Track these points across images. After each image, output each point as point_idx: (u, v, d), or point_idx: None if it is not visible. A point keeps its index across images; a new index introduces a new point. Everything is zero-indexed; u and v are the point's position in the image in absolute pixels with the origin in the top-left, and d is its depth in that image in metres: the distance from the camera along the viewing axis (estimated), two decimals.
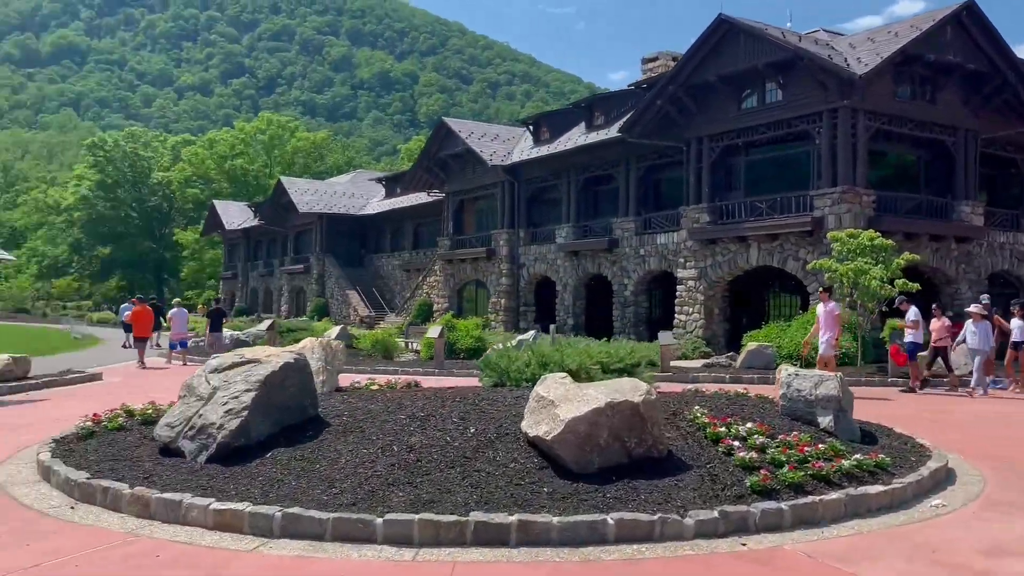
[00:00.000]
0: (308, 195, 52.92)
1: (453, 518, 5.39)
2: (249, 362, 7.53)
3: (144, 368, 20.25)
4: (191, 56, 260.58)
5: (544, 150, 34.01)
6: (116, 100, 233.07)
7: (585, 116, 33.39)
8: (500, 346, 19.18)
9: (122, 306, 36.80)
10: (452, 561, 5.08)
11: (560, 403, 6.63)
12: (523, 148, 36.19)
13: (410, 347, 24.89)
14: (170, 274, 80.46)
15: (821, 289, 15.62)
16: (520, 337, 20.22)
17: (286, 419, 7.42)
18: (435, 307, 40.94)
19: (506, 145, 37.13)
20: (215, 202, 65.54)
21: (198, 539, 5.45)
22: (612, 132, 29.94)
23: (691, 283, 27.23)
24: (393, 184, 51.29)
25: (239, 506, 5.65)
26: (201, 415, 7.07)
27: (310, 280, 53.28)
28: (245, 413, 6.99)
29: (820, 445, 7.29)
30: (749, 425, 7.41)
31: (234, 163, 74.29)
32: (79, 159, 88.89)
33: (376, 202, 53.49)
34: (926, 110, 24.47)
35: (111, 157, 77.46)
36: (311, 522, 5.44)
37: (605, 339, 23.23)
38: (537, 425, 6.60)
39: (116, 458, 7.14)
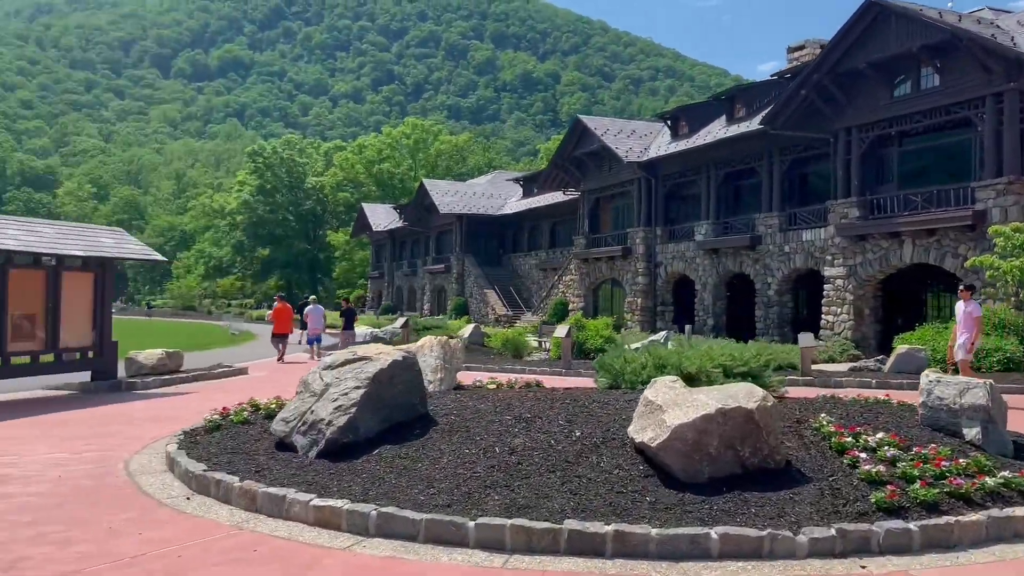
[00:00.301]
0: (448, 196, 54.05)
1: (546, 525, 5.21)
2: (361, 359, 7.63)
3: (284, 363, 21.17)
4: (344, 65, 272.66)
5: (682, 145, 33.17)
6: (276, 109, 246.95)
7: (726, 108, 32.32)
8: (629, 346, 18.85)
9: (308, 308, 38.58)
10: (542, 571, 4.91)
11: (668, 408, 6.32)
12: (660, 144, 35.45)
13: (543, 346, 24.84)
14: (324, 274, 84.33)
15: (962, 287, 14.34)
16: (652, 337, 19.81)
17: (395, 416, 7.46)
18: (570, 306, 40.81)
19: (643, 141, 36.50)
20: (363, 205, 68.08)
21: (297, 535, 5.53)
22: (754, 124, 28.82)
23: (839, 282, 25.79)
24: (530, 184, 51.56)
25: (337, 503, 5.70)
26: (313, 411, 7.22)
27: (450, 279, 54.40)
28: (353, 410, 7.07)
29: (962, 460, 6.61)
30: (880, 435, 6.81)
31: (381, 167, 76.94)
32: (241, 166, 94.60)
33: (514, 202, 53.97)
34: None
35: (269, 163, 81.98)
36: (404, 522, 5.40)
37: (745, 341, 22.45)
38: (643, 431, 6.32)
39: (235, 451, 7.40)
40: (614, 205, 39.33)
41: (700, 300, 32.78)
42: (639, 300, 35.54)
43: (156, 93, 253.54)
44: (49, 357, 13.76)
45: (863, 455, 6.38)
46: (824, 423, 7.13)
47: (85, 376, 14.84)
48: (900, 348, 17.93)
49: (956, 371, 14.15)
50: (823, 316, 26.36)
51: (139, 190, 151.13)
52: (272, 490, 6.02)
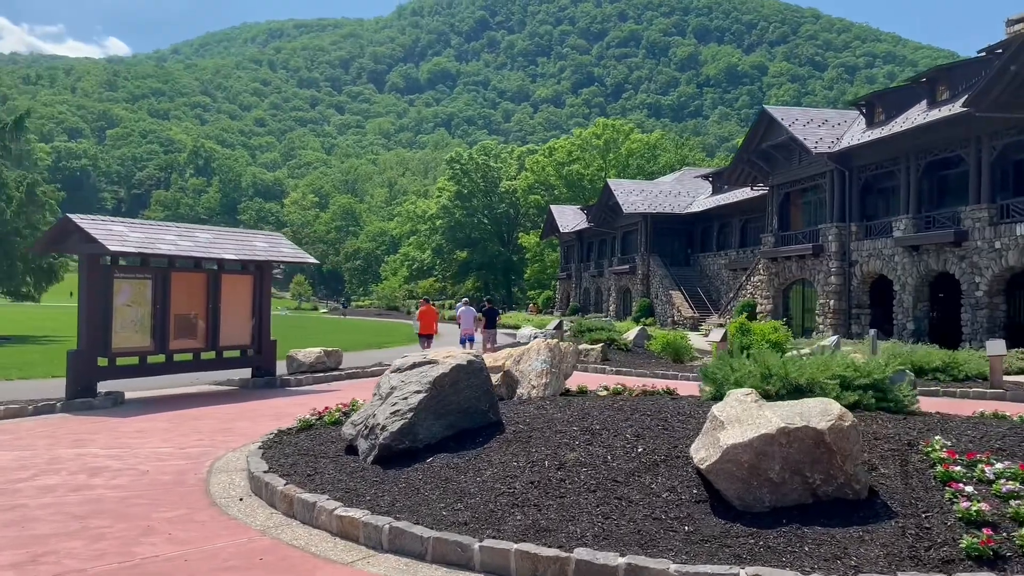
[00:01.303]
0: (633, 195, 53.20)
1: (554, 552, 4.72)
2: (428, 363, 7.43)
3: None
4: (545, 71, 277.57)
5: (877, 133, 30.48)
6: (480, 118, 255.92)
7: (926, 92, 29.36)
8: (804, 352, 17.49)
9: (456, 305, 40.10)
10: None
11: (728, 425, 5.59)
12: (854, 133, 32.81)
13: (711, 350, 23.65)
14: (517, 275, 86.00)
15: None
16: (822, 343, 18.27)
17: (462, 423, 7.19)
18: (758, 308, 38.78)
19: (835, 131, 33.95)
20: (551, 207, 68.62)
21: (314, 544, 5.39)
22: (957, 108, 25.93)
23: None
24: (718, 180, 49.63)
25: (356, 514, 5.50)
26: (374, 415, 7.10)
27: (635, 280, 53.51)
28: (410, 415, 6.87)
29: None
30: (1002, 465, 5.66)
31: (571, 168, 77.21)
32: (442, 172, 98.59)
33: (702, 199, 52.18)
34: None
35: (466, 169, 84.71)
36: (413, 539, 5.11)
37: (951, 347, 20.18)
38: (699, 451, 5.63)
39: (307, 453, 7.43)
40: (805, 200, 36.92)
41: (899, 302, 29.99)
42: (831, 302, 33.09)
43: (372, 107, 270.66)
44: (210, 354, 14.74)
45: (968, 489, 5.31)
46: (937, 447, 6.05)
47: (247, 373, 15.79)
48: None
49: None
50: None
51: (355, 198, 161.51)
52: (306, 496, 5.94)
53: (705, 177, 53.93)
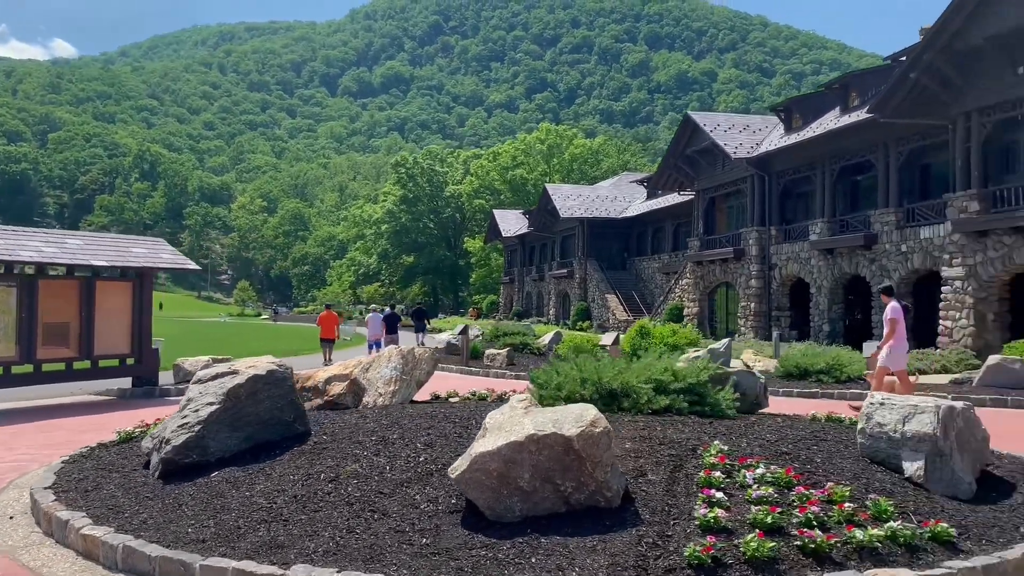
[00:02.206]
0: (571, 200, 53.43)
1: (270, 570, 4.59)
2: (230, 373, 7.26)
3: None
4: (499, 76, 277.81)
5: (794, 138, 30.98)
6: (435, 122, 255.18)
7: (840, 98, 29.91)
8: (697, 355, 17.56)
9: (385, 311, 39.93)
10: None
11: (490, 433, 5.52)
12: (773, 138, 33.31)
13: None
14: (463, 280, 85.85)
15: (880, 289, 12.25)
16: (712, 346, 18.42)
17: (262, 435, 7.04)
18: (685, 311, 39.15)
19: (755, 136, 34.43)
20: (495, 211, 68.69)
21: (53, 565, 5.19)
22: (865, 114, 26.43)
23: (957, 284, 23.13)
24: (651, 185, 50.09)
25: (99, 532, 5.32)
26: (165, 427, 6.92)
27: (573, 284, 53.72)
28: (198, 428, 6.70)
29: (869, 502, 5.39)
30: (761, 470, 5.68)
31: (515, 173, 77.34)
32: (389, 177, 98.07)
33: (638, 204, 52.63)
34: None
35: (412, 174, 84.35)
36: (143, 559, 4.94)
37: (861, 348, 20.48)
38: (458, 460, 5.55)
39: (106, 467, 7.21)
40: (729, 205, 37.39)
41: (815, 304, 30.47)
42: (752, 304, 33.51)
43: (324, 111, 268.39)
44: (84, 364, 14.36)
45: (719, 495, 5.31)
46: (712, 452, 6.06)
47: (128, 382, 15.41)
48: (992, 359, 15.70)
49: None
50: (940, 322, 23.76)
51: (305, 203, 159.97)
52: (61, 513, 5.74)
53: (641, 182, 54.40)
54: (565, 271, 54.51)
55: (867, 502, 5.43)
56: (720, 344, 17.85)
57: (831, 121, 29.36)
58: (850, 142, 28.28)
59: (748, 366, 20.89)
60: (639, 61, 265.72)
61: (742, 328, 33.80)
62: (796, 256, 31.58)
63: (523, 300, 65.71)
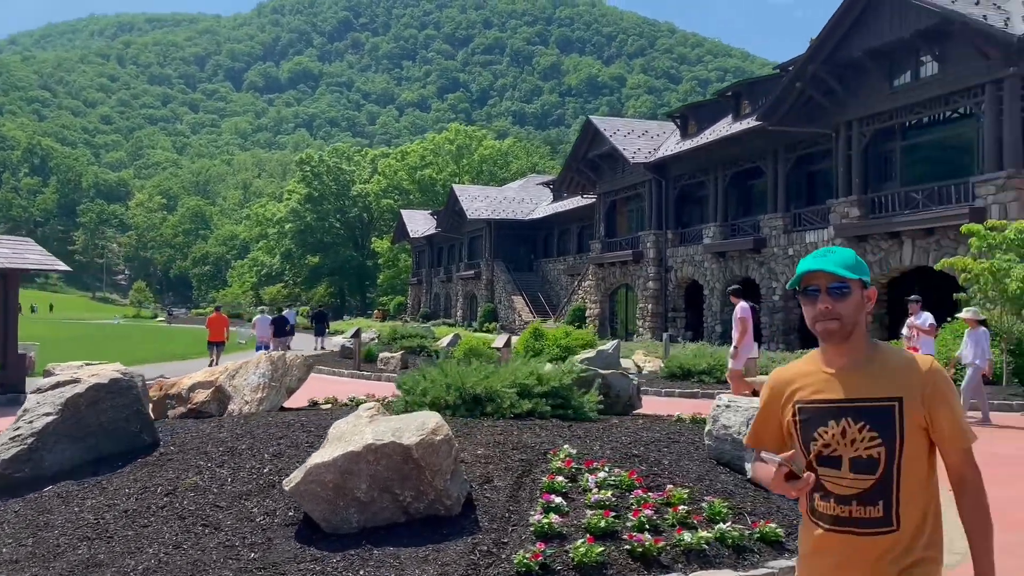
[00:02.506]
0: (478, 201, 53.46)
1: None
2: (72, 382, 6.92)
3: None
4: (410, 74, 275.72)
5: (690, 144, 31.77)
6: (344, 119, 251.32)
7: (732, 106, 30.84)
8: (586, 357, 17.66)
9: (286, 312, 39.18)
10: None
11: (329, 444, 5.41)
12: (670, 144, 34.08)
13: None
14: (371, 281, 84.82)
15: (730, 291, 13.03)
16: (602, 347, 18.67)
17: (106, 446, 6.72)
18: (587, 312, 39.66)
19: (654, 142, 35.17)
20: (402, 211, 68.16)
21: None
22: (755, 121, 27.30)
23: None
24: (556, 188, 50.58)
25: None
26: None
27: (480, 285, 53.75)
28: (31, 440, 6.35)
29: (704, 504, 5.50)
30: (603, 474, 5.74)
31: (423, 173, 76.91)
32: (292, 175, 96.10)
33: (544, 206, 53.04)
34: None
35: (317, 172, 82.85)
36: None
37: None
38: (295, 471, 5.42)
39: None
40: (629, 208, 38.07)
41: (708, 306, 31.30)
42: (650, 306, 34.20)
43: (228, 106, 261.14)
44: None
45: (558, 500, 5.33)
46: (560, 457, 6.09)
47: None
48: None
49: None
50: None
51: (206, 200, 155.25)
52: None
53: (547, 184, 54.83)
54: (472, 272, 54.50)
55: (703, 504, 5.55)
56: (609, 345, 18.07)
57: (724, 128, 30.23)
58: (742, 149, 29.16)
59: (639, 367, 21.33)
60: (550, 64, 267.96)
61: (640, 329, 34.45)
62: (691, 259, 32.38)
63: (431, 301, 65.39)
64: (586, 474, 5.76)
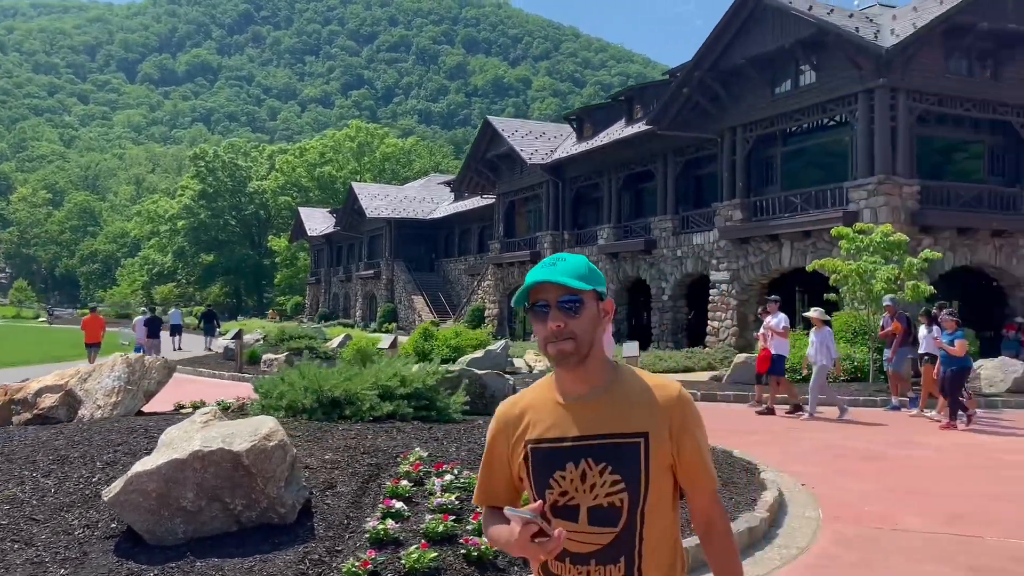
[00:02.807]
0: (378, 200, 52.82)
1: None
2: None
3: None
4: (313, 70, 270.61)
5: (585, 146, 32.14)
6: (244, 114, 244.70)
7: (625, 110, 31.35)
8: (474, 357, 17.62)
9: (171, 311, 37.91)
10: None
11: (158, 451, 5.14)
12: (566, 146, 34.43)
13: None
14: (268, 280, 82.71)
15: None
16: (490, 347, 18.68)
17: None
18: (486, 312, 39.69)
19: (552, 143, 35.45)
20: (300, 209, 66.71)
21: None
22: (645, 126, 27.83)
23: (724, 286, 24.82)
24: (455, 188, 50.49)
25: None
26: None
27: (380, 285, 53.12)
28: None
29: None
30: (450, 477, 5.65)
31: (323, 170, 75.49)
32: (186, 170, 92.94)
33: (446, 205, 52.83)
34: (987, 88, 21.24)
35: (212, 167, 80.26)
36: None
37: (644, 348, 21.23)
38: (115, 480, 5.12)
39: None
40: (528, 209, 38.27)
41: None
42: None
43: (121, 98, 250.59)
44: None
45: (399, 505, 5.21)
46: (410, 460, 5.97)
47: None
48: (739, 357, 16.92)
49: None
50: (709, 322, 25.39)
51: (96, 196, 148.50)
52: None
53: (447, 183, 54.63)
54: (372, 272, 53.81)
55: None
56: (497, 346, 18.11)
57: (617, 131, 30.70)
58: (634, 152, 29.66)
59: (530, 366, 21.39)
60: (457, 64, 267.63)
61: None
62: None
63: (330, 301, 64.26)
64: (433, 477, 5.65)
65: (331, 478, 5.73)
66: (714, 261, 25.36)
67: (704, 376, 19.54)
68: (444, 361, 19.07)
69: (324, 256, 66.34)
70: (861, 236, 15.99)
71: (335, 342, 24.45)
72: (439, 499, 5.28)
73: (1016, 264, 21.41)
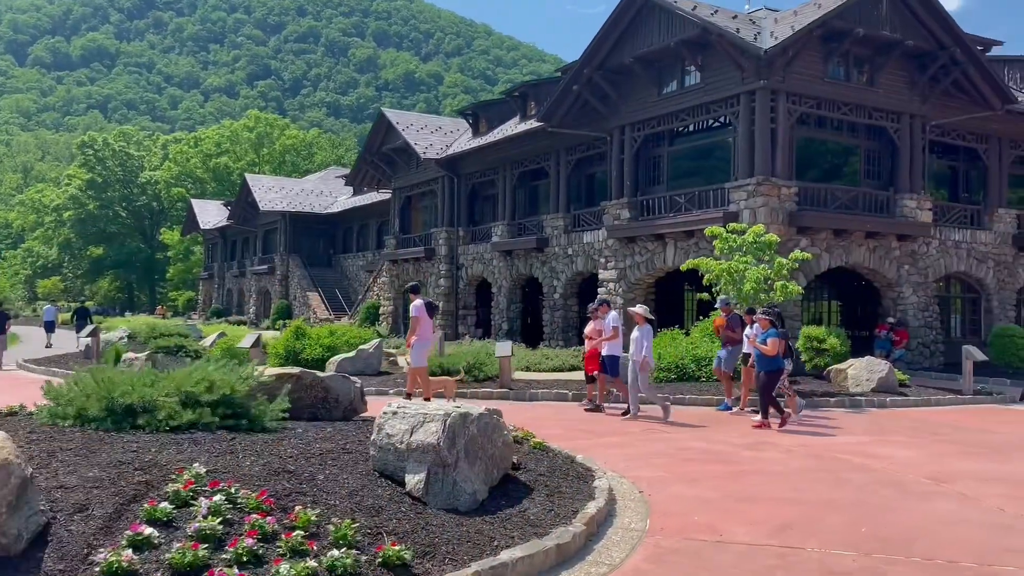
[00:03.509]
0: (272, 193, 51.21)
1: None
2: None
3: None
4: (218, 59, 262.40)
5: (479, 142, 31.69)
6: (144, 102, 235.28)
7: (520, 106, 31.03)
8: (346, 357, 16.87)
9: (45, 307, 36.00)
10: None
11: None
12: (462, 141, 33.91)
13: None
14: (161, 275, 79.49)
15: (407, 288, 13.75)
16: (362, 347, 18.03)
17: None
18: (381, 309, 38.84)
19: (448, 138, 34.87)
20: (192, 201, 64.28)
21: None
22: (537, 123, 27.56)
23: (611, 285, 24.74)
24: (350, 181, 49.34)
25: None
26: None
27: (274, 281, 51.52)
28: None
29: (331, 526, 4.93)
30: (219, 498, 5.04)
31: (219, 161, 72.93)
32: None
33: (344, 200, 51.59)
34: (864, 93, 21.72)
35: (101, 156, 76.62)
36: None
37: (535, 346, 21.03)
38: None
39: None
40: (424, 204, 37.58)
41: (496, 304, 31.36)
42: (441, 304, 33.80)
43: (9, 82, 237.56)
44: None
45: (149, 531, 4.59)
46: (184, 477, 5.34)
47: None
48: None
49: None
50: None
51: None
52: None
53: (344, 177, 53.39)
54: (266, 267, 52.15)
55: (330, 527, 4.98)
56: (369, 346, 17.45)
57: (511, 128, 30.35)
58: (528, 148, 29.36)
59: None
60: (367, 57, 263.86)
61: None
62: (480, 257, 32.33)
63: (223, 298, 62.08)
64: (202, 498, 5.04)
65: (86, 499, 5.05)
66: (602, 260, 25.27)
67: (573, 376, 19.32)
68: (317, 361, 18.37)
69: (218, 250, 64.06)
70: (734, 236, 15.99)
71: (209, 340, 23.29)
72: (196, 524, 4.68)
73: (888, 265, 21.98)
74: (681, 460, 9.27)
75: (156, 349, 22.13)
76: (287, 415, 7.57)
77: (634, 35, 23.14)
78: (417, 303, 12.58)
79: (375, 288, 41.49)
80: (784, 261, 15.35)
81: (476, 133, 33.22)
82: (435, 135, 34.85)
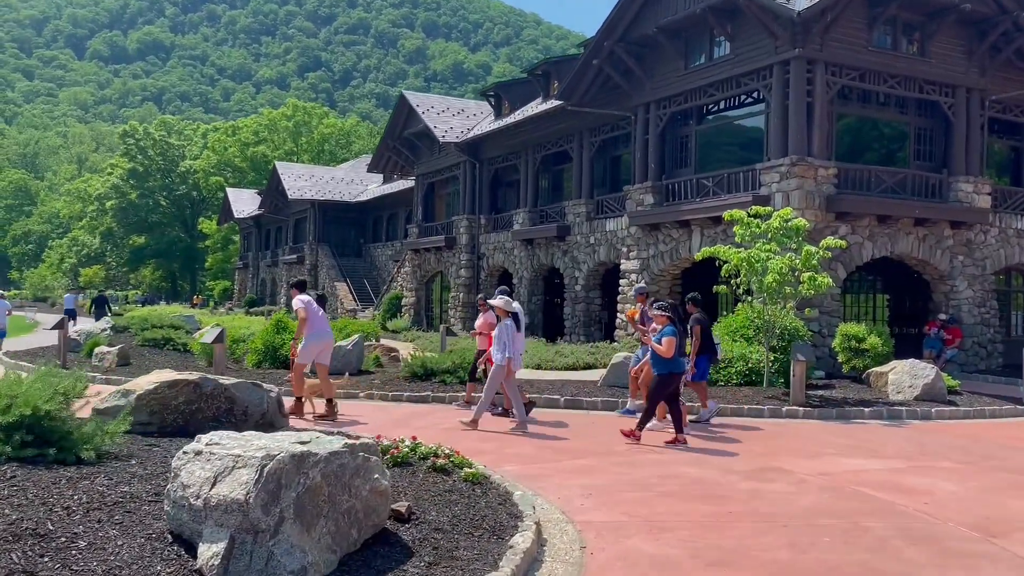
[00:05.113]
0: (302, 181, 50.12)
1: None
2: None
3: None
4: (269, 51, 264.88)
5: (501, 124, 29.92)
6: (197, 94, 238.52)
7: (543, 85, 29.14)
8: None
9: (65, 295, 35.63)
10: None
11: None
12: (484, 124, 32.16)
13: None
14: (201, 264, 79.49)
15: (292, 284, 11.91)
16: (341, 343, 16.42)
17: None
18: (403, 300, 37.39)
19: (470, 121, 33.16)
20: (228, 190, 63.70)
21: None
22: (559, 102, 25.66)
23: (633, 276, 22.79)
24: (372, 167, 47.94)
25: None
26: None
27: (304, 271, 50.45)
28: None
29: None
30: None
31: (257, 149, 72.33)
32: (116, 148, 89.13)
33: (374, 188, 50.27)
34: (914, 64, 19.38)
35: (142, 146, 76.76)
36: None
37: (555, 341, 19.26)
38: None
39: None
40: (447, 191, 35.94)
41: (517, 296, 29.55)
42: (462, 295, 32.25)
43: (68, 75, 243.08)
44: None
45: None
46: None
47: None
48: (616, 357, 14.89)
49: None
50: (618, 315, 23.36)
51: (33, 174, 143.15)
52: None
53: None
54: (296, 257, 51.17)
55: None
56: (348, 342, 15.84)
57: (533, 108, 28.53)
58: (550, 130, 27.52)
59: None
60: (416, 48, 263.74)
61: (452, 319, 32.45)
62: (501, 246, 30.60)
63: (257, 287, 61.42)
64: None
65: None
66: (624, 249, 23.33)
67: (597, 375, 17.49)
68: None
69: (253, 240, 63.44)
70: (757, 221, 13.96)
71: (210, 334, 21.92)
72: None
73: (940, 256, 19.66)
74: (658, 495, 7.42)
75: (142, 342, 20.93)
76: (155, 433, 5.94)
77: (656, 3, 21.11)
78: (302, 297, 11.38)
79: (398, 279, 40.05)
80: (812, 250, 13.28)
81: (499, 115, 31.46)
82: (457, 118, 33.16)
